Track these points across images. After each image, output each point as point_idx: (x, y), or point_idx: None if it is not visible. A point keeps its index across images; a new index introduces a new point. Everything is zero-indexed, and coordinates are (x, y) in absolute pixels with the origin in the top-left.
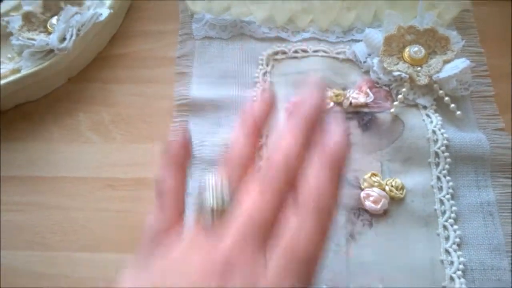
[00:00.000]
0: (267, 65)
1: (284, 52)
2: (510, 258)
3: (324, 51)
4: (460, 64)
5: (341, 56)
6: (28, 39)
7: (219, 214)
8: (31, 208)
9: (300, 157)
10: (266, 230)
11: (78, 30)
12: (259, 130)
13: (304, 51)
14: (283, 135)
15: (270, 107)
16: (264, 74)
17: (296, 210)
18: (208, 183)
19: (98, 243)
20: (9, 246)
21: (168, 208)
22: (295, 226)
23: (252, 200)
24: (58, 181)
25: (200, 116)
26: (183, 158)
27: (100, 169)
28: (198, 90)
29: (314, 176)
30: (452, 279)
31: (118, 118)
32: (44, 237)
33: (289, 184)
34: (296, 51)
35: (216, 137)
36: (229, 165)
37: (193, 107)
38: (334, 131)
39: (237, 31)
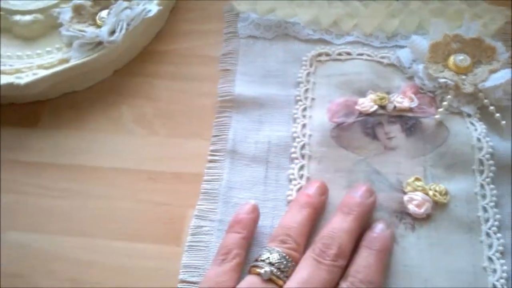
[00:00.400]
0: (311, 66)
1: (328, 54)
2: None
3: (368, 55)
4: (506, 75)
5: (385, 61)
6: (79, 30)
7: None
8: (71, 195)
9: (350, 236)
10: None
11: (128, 24)
12: (316, 213)
13: (348, 53)
14: (334, 217)
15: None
16: (308, 74)
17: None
18: (266, 256)
19: (136, 233)
20: (46, 230)
21: (228, 262)
22: None
23: (307, 272)
24: (100, 171)
25: (242, 113)
26: (251, 220)
27: (142, 161)
28: (241, 87)
29: (363, 257)
30: (495, 286)
31: (160, 112)
32: (82, 224)
33: (339, 259)
34: (340, 54)
35: (259, 134)
36: (287, 240)
37: (236, 104)
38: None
39: (282, 31)
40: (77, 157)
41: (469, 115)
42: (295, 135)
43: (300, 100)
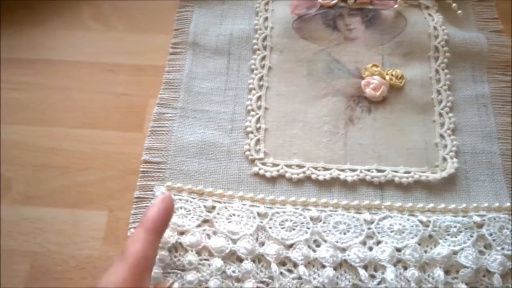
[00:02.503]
0: None
1: None
2: (500, 144)
3: None
4: None
5: None
6: None
7: None
8: (32, 87)
9: None
10: None
11: None
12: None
13: None
14: None
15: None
16: None
17: None
18: None
19: (97, 121)
20: (9, 120)
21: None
22: None
23: None
24: (59, 64)
25: (204, 7)
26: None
27: (101, 55)
28: None
29: None
30: (445, 159)
31: (119, 9)
32: (44, 114)
33: None
34: None
35: (221, 27)
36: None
37: None
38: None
39: None
40: (35, 52)
41: (427, 7)
42: (257, 27)
43: None
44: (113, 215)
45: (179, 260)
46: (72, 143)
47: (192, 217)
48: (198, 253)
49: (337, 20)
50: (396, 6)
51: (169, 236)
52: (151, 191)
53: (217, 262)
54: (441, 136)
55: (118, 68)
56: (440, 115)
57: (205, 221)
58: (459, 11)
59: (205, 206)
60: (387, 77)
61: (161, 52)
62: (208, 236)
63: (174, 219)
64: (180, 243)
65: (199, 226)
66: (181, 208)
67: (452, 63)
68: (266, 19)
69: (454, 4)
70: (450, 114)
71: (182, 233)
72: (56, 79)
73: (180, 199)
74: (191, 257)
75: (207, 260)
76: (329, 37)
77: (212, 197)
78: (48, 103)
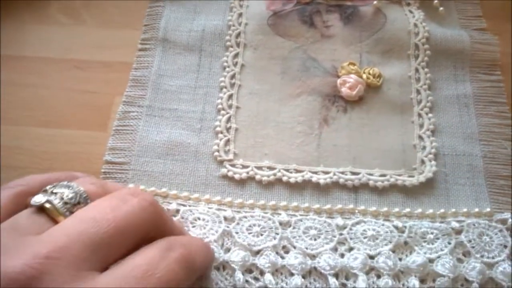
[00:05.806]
0: None
1: None
2: (482, 146)
3: None
4: None
5: None
6: None
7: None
8: None
9: None
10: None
11: None
12: None
13: None
14: None
15: None
16: None
17: None
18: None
19: (63, 120)
20: None
21: None
22: None
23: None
24: (26, 60)
25: (176, 2)
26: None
27: (68, 51)
28: None
29: None
30: (423, 162)
31: (89, 3)
32: (8, 112)
33: None
34: None
35: (193, 23)
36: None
37: None
38: None
39: None
40: (3, 48)
41: (408, 3)
42: (230, 23)
43: None
44: None
45: None
46: (36, 143)
47: None
48: None
49: (314, 17)
50: (375, 2)
51: None
52: None
53: None
54: (420, 137)
55: (84, 64)
56: (419, 115)
57: None
58: (441, 8)
59: (168, 210)
60: (364, 76)
61: (130, 48)
62: None
63: None
64: None
65: None
66: None
67: (432, 62)
68: (240, 15)
69: (436, 1)
70: (430, 115)
71: None
72: (20, 75)
73: None
74: None
75: None
76: (305, 34)
77: (176, 200)
78: (10, 100)
